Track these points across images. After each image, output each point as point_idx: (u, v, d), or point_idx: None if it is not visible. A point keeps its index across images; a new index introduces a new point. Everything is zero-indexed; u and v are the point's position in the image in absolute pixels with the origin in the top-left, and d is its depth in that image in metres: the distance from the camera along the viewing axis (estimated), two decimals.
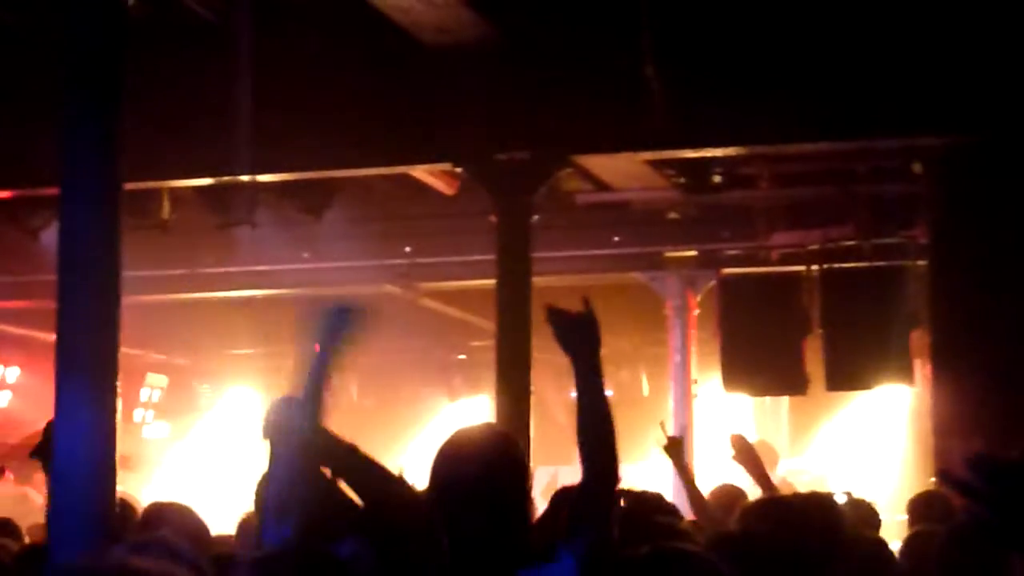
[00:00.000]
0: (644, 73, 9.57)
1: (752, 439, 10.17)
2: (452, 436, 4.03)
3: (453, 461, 3.93)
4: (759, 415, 16.34)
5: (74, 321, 6.01)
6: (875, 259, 12.47)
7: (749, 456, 7.96)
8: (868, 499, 8.21)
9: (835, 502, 6.16)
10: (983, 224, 9.86)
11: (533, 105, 10.03)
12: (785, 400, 16.36)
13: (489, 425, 4.30)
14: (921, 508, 7.95)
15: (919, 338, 12.09)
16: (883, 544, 6.28)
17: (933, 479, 10.13)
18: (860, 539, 5.97)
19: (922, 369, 12.55)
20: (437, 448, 4.00)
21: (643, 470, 17.53)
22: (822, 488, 13.97)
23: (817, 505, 5.56)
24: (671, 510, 6.53)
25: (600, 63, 9.83)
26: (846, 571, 4.85)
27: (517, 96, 10.04)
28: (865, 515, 7.79)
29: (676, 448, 8.50)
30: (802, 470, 15.42)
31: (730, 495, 8.59)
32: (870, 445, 16.74)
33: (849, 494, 8.35)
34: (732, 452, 8.04)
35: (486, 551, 3.76)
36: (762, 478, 7.86)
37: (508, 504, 3.87)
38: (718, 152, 10.89)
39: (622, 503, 6.59)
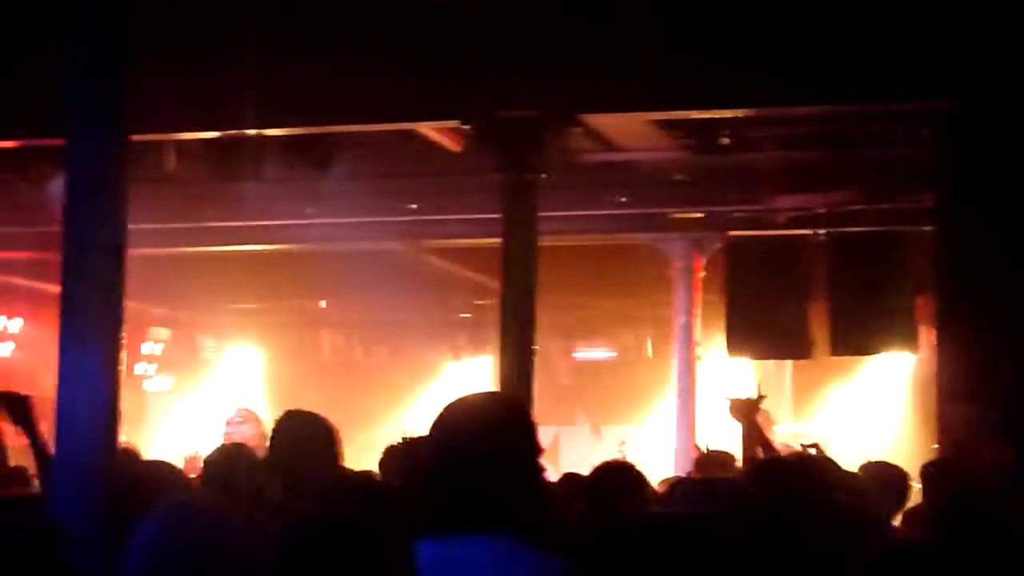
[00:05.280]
0: (651, 33, 9.52)
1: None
2: (454, 401, 3.95)
3: (452, 427, 3.86)
4: (761, 379, 16.33)
5: (78, 273, 5.99)
6: (882, 224, 12.43)
7: (746, 413, 8.00)
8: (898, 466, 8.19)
9: (827, 465, 6.18)
10: (991, 189, 9.81)
11: (541, 62, 9.97)
12: (789, 364, 16.37)
13: (494, 392, 4.21)
14: (934, 475, 7.93)
15: (924, 304, 12.07)
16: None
17: (936, 445, 10.13)
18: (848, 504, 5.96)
19: (927, 335, 12.54)
20: (437, 413, 3.94)
21: (645, 432, 17.61)
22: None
23: (810, 468, 5.57)
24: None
25: (608, 21, 9.77)
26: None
27: (525, 53, 9.98)
28: (891, 481, 7.79)
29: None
30: (803, 434, 15.43)
31: (716, 462, 8.62)
32: (872, 410, 16.76)
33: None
34: (729, 408, 8.07)
35: (485, 521, 3.70)
36: (759, 438, 7.89)
37: (510, 474, 3.80)
38: (726, 113, 10.84)
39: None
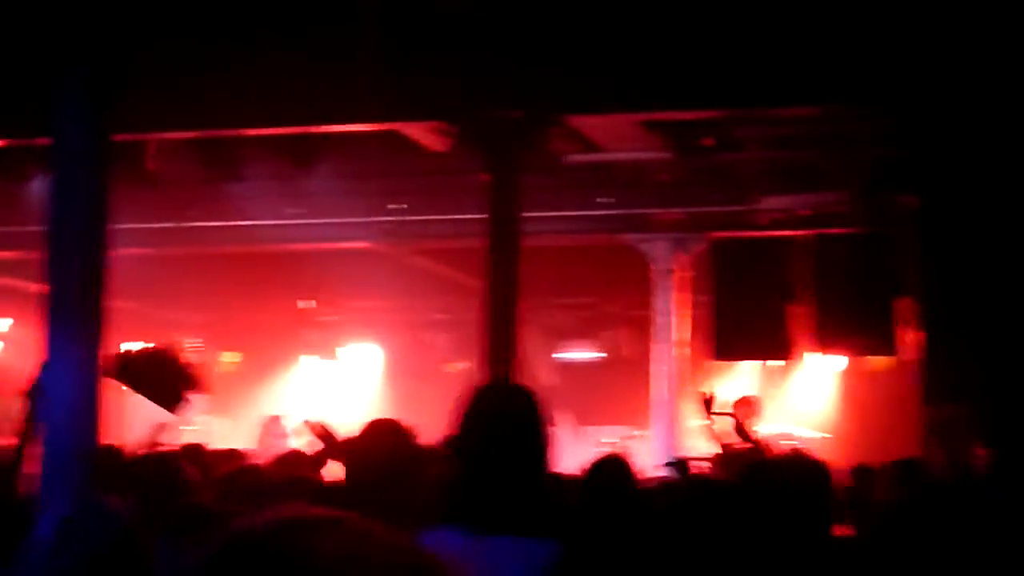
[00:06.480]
0: (633, 34, 9.56)
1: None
2: (477, 392, 3.99)
3: (475, 419, 3.90)
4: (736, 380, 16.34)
5: (62, 272, 6.01)
6: (864, 225, 12.46)
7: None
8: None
9: (821, 464, 6.20)
10: (974, 191, 9.86)
11: (526, 63, 9.99)
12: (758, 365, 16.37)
13: (514, 384, 4.28)
14: (902, 473, 8.00)
15: (903, 306, 12.12)
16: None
17: (918, 445, 10.18)
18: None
19: (905, 337, 12.58)
20: (460, 404, 3.96)
21: (625, 431, 17.61)
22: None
23: (804, 465, 5.59)
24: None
25: (592, 23, 9.80)
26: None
27: (511, 54, 10.00)
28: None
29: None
30: (783, 433, 15.46)
31: None
32: (848, 411, 16.78)
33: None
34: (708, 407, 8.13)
35: (505, 507, 3.74)
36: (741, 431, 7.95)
37: (524, 462, 3.84)
38: (710, 114, 10.87)
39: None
